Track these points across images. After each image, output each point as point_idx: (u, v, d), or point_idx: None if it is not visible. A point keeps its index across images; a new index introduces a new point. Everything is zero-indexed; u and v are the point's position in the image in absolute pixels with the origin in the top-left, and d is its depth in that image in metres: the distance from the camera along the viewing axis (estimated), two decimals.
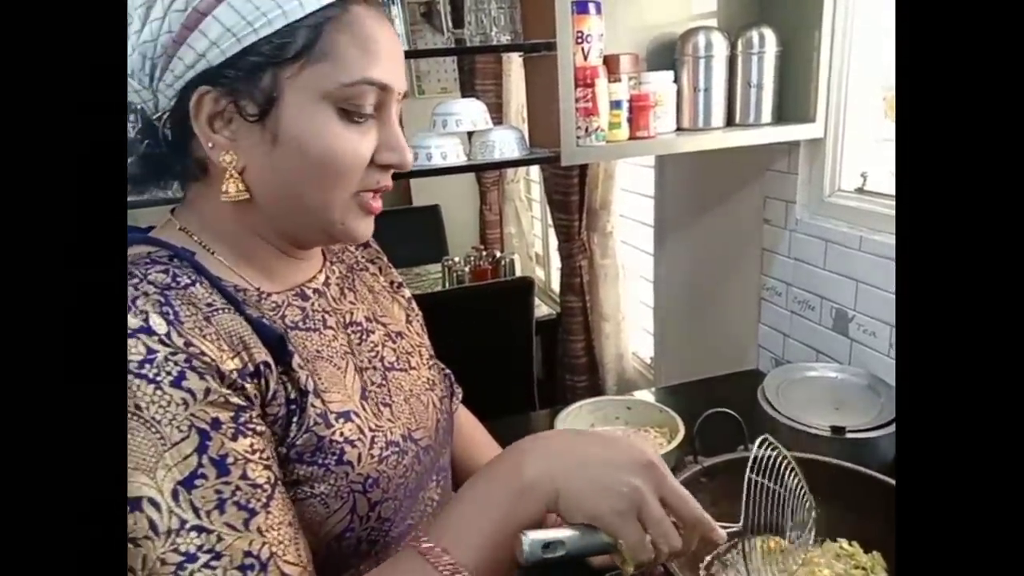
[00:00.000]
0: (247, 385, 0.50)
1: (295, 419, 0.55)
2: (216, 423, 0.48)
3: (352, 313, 0.67)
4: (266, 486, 0.49)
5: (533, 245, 3.46)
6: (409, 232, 3.49)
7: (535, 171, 3.31)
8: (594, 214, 2.15)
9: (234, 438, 0.48)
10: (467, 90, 2.97)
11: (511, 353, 2.04)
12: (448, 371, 0.89)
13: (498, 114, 2.80)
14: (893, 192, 1.19)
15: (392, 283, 0.78)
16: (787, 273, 1.40)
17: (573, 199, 2.11)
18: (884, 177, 1.24)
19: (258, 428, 0.51)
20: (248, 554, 0.46)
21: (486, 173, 3.37)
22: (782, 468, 0.62)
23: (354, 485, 0.57)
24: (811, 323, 1.34)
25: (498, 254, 2.50)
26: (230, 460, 0.47)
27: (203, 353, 0.48)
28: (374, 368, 0.66)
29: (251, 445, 0.49)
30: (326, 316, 0.64)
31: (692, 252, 1.81)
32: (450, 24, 1.12)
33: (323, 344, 0.61)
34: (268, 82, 0.52)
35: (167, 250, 0.55)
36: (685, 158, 1.76)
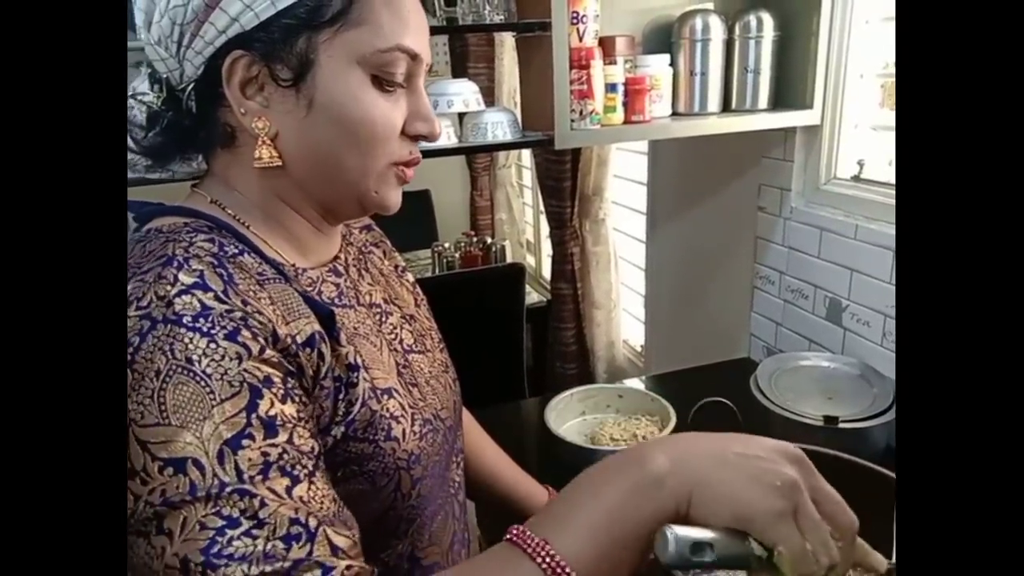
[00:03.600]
0: (300, 353, 0.49)
1: (342, 396, 0.53)
2: (268, 381, 0.46)
3: (371, 295, 0.66)
4: (311, 454, 0.46)
5: (524, 232, 3.44)
6: (398, 217, 3.40)
7: (527, 156, 3.28)
8: (586, 200, 2.13)
9: (284, 400, 0.46)
10: (458, 73, 2.93)
11: (501, 340, 2.03)
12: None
13: (490, 98, 2.77)
14: (890, 180, 1.18)
15: (396, 267, 0.76)
16: (780, 261, 1.39)
17: (565, 185, 2.09)
18: (881, 165, 1.23)
19: (304, 398, 0.49)
20: (295, 522, 0.42)
21: (477, 158, 3.34)
22: None
23: (400, 462, 0.56)
24: (804, 312, 1.34)
25: (489, 240, 2.47)
26: (279, 422, 0.45)
27: (260, 312, 0.47)
28: (396, 350, 0.64)
29: (298, 412, 0.47)
30: (357, 295, 0.63)
31: (685, 240, 1.80)
32: (442, 2, 1.09)
33: (359, 321, 0.60)
34: (303, 46, 0.51)
35: (206, 220, 0.53)
36: (679, 144, 1.75)
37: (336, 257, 0.64)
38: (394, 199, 0.59)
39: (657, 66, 1.19)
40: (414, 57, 0.54)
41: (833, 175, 1.27)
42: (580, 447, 1.12)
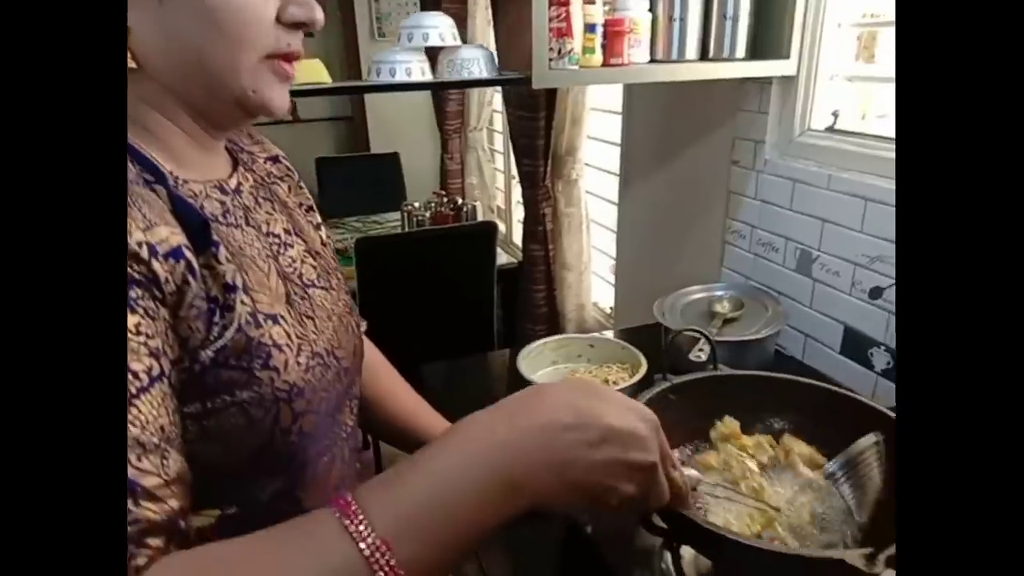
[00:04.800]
0: (156, 262, 0.44)
1: (217, 318, 0.48)
2: None
3: (269, 223, 0.61)
4: (142, 375, 0.41)
5: (495, 198, 3.41)
6: (367, 179, 3.39)
7: (499, 121, 3.23)
8: (559, 160, 2.11)
9: None
10: (428, 7, 2.85)
11: (472, 297, 2.02)
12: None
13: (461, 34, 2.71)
14: (864, 131, 1.19)
15: (302, 205, 0.72)
16: (752, 215, 1.39)
17: (539, 143, 2.06)
18: (854, 117, 1.24)
19: (152, 310, 0.43)
20: None
21: (447, 120, 3.29)
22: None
23: (279, 393, 0.52)
24: (775, 265, 1.35)
25: (460, 201, 2.44)
26: None
27: None
28: (293, 281, 0.60)
29: (137, 325, 0.41)
30: (247, 216, 0.58)
31: (657, 198, 1.79)
32: None
33: (246, 243, 0.56)
34: None
35: None
36: (654, 100, 1.73)
37: (227, 180, 0.59)
38: (278, 99, 0.54)
39: (636, 9, 1.17)
40: None
41: (808, 127, 1.27)
42: None
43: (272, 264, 0.57)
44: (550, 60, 1.07)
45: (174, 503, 0.40)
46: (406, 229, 2.40)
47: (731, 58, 1.23)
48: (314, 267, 0.64)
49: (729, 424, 0.74)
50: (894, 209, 1.06)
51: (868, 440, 0.65)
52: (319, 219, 0.73)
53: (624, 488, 0.46)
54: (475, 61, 1.08)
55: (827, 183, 1.18)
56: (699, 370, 0.89)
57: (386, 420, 0.82)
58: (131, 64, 0.48)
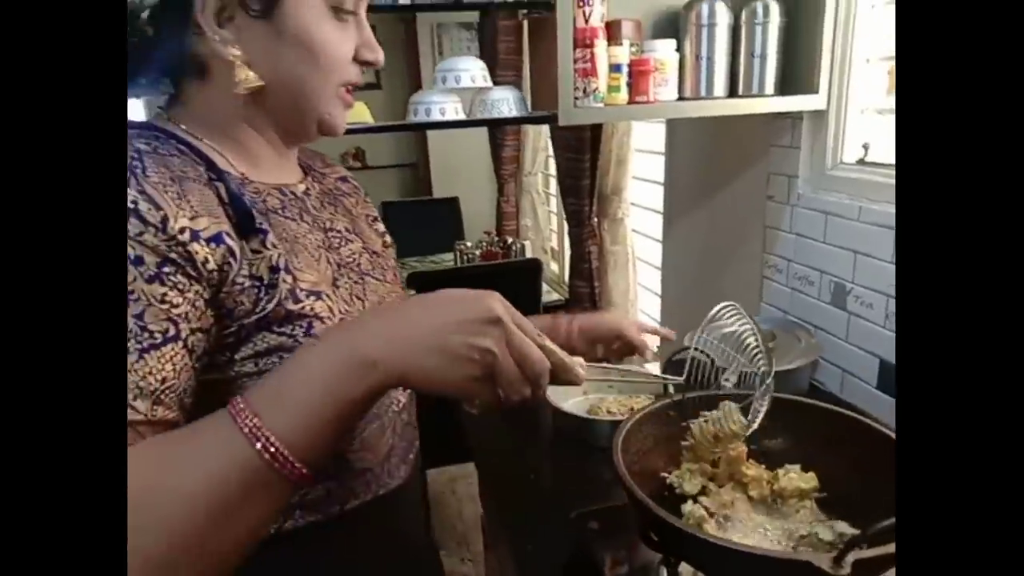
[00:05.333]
0: (196, 245, 0.52)
1: (264, 293, 0.57)
2: (138, 260, 0.50)
3: (332, 221, 0.71)
4: (157, 335, 0.50)
5: (549, 239, 3.47)
6: (428, 223, 3.53)
7: (554, 165, 3.32)
8: (605, 199, 2.16)
9: (149, 281, 0.50)
10: (485, 58, 3.00)
11: None
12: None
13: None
14: (894, 162, 1.18)
15: (368, 215, 0.82)
16: (788, 249, 1.39)
17: (584, 183, 2.12)
18: (886, 148, 1.23)
19: (181, 285, 0.52)
20: None
21: (503, 165, 3.40)
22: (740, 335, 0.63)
23: None
24: (810, 299, 1.33)
25: (509, 240, 2.51)
26: (133, 296, 0.49)
27: (153, 200, 0.51)
28: (351, 268, 0.69)
29: (163, 295, 0.50)
30: (303, 214, 0.67)
31: (698, 235, 1.80)
32: None
33: (300, 233, 0.65)
34: None
35: (155, 132, 0.59)
36: (693, 138, 1.76)
37: (295, 185, 0.69)
38: (341, 121, 0.66)
39: (663, 50, 1.22)
40: None
41: (839, 160, 1.27)
42: (577, 417, 1.15)
43: (324, 253, 0.67)
44: (575, 99, 1.13)
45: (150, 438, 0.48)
46: (457, 265, 2.48)
47: (760, 94, 1.25)
48: (371, 262, 0.74)
49: (738, 448, 0.74)
50: None
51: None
52: (383, 228, 0.84)
53: (481, 342, 0.50)
54: (505, 101, 1.14)
55: (858, 215, 1.18)
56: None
57: None
58: (260, 82, 0.60)
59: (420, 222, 3.52)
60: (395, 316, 0.52)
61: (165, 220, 0.51)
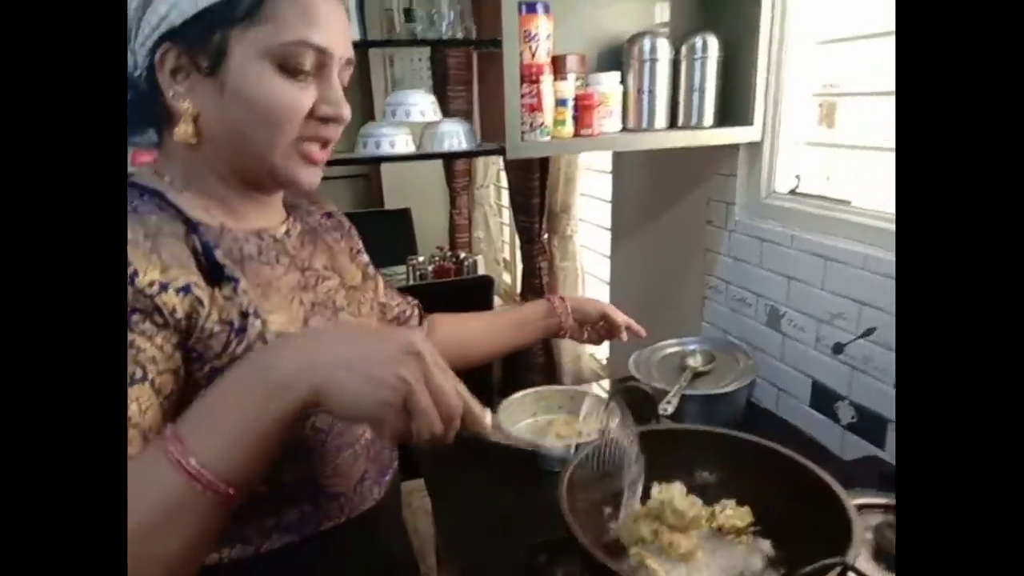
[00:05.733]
0: (164, 295, 0.57)
1: (235, 337, 0.61)
2: None
3: (310, 260, 0.75)
4: (130, 379, 0.54)
5: (502, 250, 3.50)
6: (380, 234, 3.49)
7: (505, 177, 3.35)
8: (554, 217, 2.20)
9: None
10: (439, 95, 3.01)
11: None
12: (417, 303, 1.04)
13: (469, 119, 2.84)
14: (824, 193, 1.25)
15: (352, 248, 0.86)
16: (727, 272, 1.45)
17: (534, 202, 2.15)
18: (817, 179, 1.31)
19: (148, 332, 0.56)
20: None
21: (456, 177, 3.41)
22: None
23: None
24: (748, 320, 1.40)
25: (462, 255, 2.53)
26: None
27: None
28: (325, 306, 0.73)
29: (132, 341, 0.54)
30: (280, 256, 0.71)
31: (645, 254, 1.86)
32: (402, 18, 1.16)
33: (274, 277, 0.68)
34: (218, 40, 0.60)
35: (138, 190, 0.63)
36: (639, 163, 1.82)
37: (275, 227, 0.73)
38: (304, 176, 0.67)
39: (607, 83, 1.27)
40: (321, 51, 0.63)
41: (773, 189, 1.34)
42: (523, 448, 1.17)
43: (298, 293, 0.70)
44: (523, 132, 1.16)
45: None
46: (410, 282, 2.48)
47: (699, 126, 1.31)
48: (346, 297, 0.77)
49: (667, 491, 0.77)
50: (852, 268, 1.11)
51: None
52: (367, 259, 0.90)
53: (399, 370, 0.51)
54: (455, 134, 1.17)
55: (791, 243, 1.24)
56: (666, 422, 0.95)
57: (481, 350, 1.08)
58: (192, 140, 0.63)
59: (372, 234, 3.43)
60: (314, 341, 0.55)
61: (135, 274, 0.55)
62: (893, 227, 1.07)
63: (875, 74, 1.21)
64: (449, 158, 1.27)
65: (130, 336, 0.54)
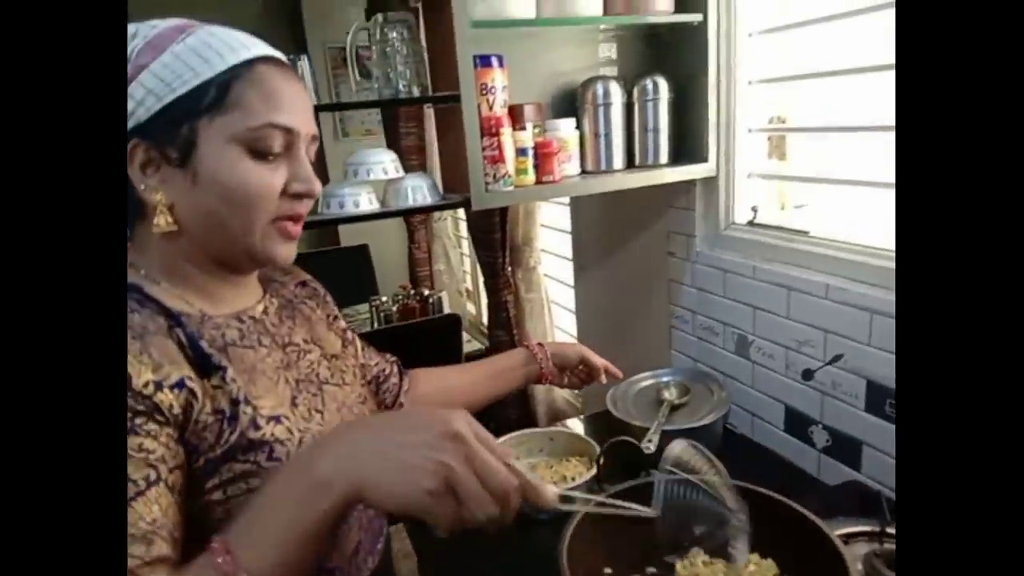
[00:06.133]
0: (161, 394, 0.57)
1: (228, 426, 0.62)
2: None
3: (290, 336, 0.76)
4: (140, 482, 0.54)
5: (464, 281, 3.50)
6: (338, 272, 3.44)
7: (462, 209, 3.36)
8: (517, 250, 2.21)
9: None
10: (390, 132, 3.01)
11: None
12: (395, 359, 1.04)
13: (421, 156, 2.85)
14: (782, 224, 1.29)
15: (328, 316, 0.87)
16: (692, 302, 1.48)
17: (495, 236, 2.16)
18: (772, 210, 1.35)
19: (153, 431, 0.56)
20: None
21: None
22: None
23: None
24: (716, 348, 1.43)
25: (426, 292, 2.52)
26: None
27: None
28: (310, 381, 0.74)
29: (140, 444, 0.55)
30: (262, 337, 0.72)
31: (608, 285, 1.88)
32: (357, 76, 1.16)
33: (258, 359, 0.69)
34: (186, 131, 0.62)
35: None
36: (597, 197, 1.85)
37: (252, 307, 0.74)
38: (282, 252, 0.69)
39: (565, 129, 1.29)
40: (288, 131, 0.65)
41: (732, 221, 1.38)
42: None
43: (283, 373, 0.71)
44: (487, 184, 1.17)
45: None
46: (374, 324, 2.46)
47: (656, 164, 1.34)
48: (329, 368, 0.79)
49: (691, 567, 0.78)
50: (814, 298, 1.15)
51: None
52: (344, 324, 0.90)
53: (437, 455, 0.52)
54: (419, 189, 1.17)
55: (753, 273, 1.28)
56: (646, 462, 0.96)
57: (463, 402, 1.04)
58: (172, 228, 0.64)
59: (331, 272, 3.36)
60: (350, 435, 0.57)
61: (131, 379, 0.56)
62: (852, 256, 1.11)
63: (820, 108, 1.27)
64: (414, 213, 1.27)
65: (137, 440, 0.55)
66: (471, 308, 3.41)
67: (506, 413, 2.31)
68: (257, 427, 0.63)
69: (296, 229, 0.69)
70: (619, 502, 0.67)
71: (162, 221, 0.64)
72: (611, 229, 1.79)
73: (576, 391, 2.31)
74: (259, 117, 0.63)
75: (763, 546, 0.77)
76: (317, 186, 0.68)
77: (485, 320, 3.23)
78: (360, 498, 0.53)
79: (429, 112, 3.00)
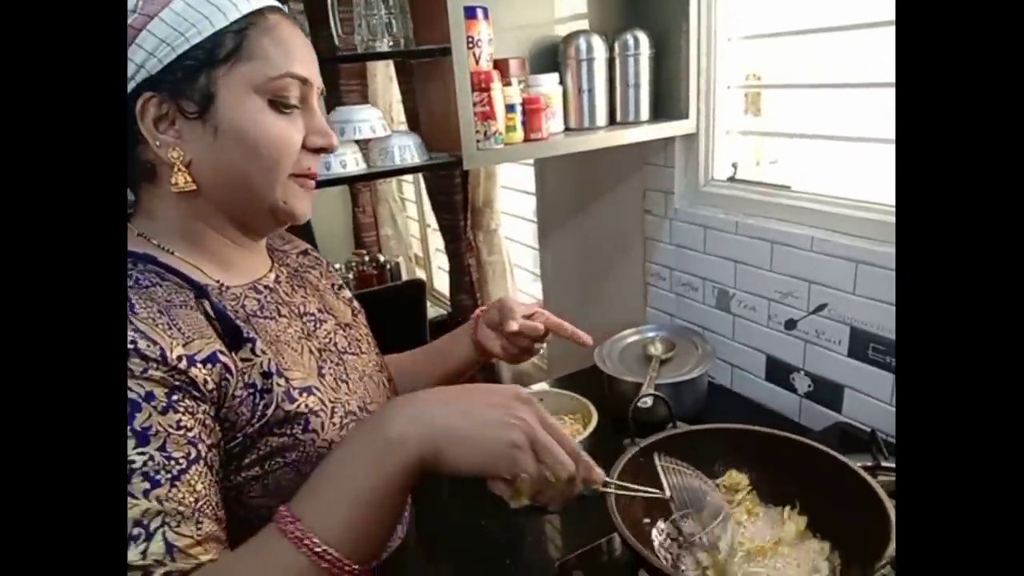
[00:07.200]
0: (195, 369, 0.54)
1: (261, 399, 0.59)
2: (149, 396, 0.52)
3: (304, 305, 0.73)
4: (181, 460, 0.52)
5: (411, 247, 3.43)
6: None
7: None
8: (478, 212, 2.18)
9: (163, 412, 0.52)
10: (331, 89, 2.87)
11: None
12: None
13: None
14: (760, 179, 1.32)
15: (333, 285, 0.84)
16: (670, 259, 1.51)
17: (457, 198, 2.12)
18: (750, 166, 1.38)
19: (191, 407, 0.54)
20: (137, 523, 0.48)
21: None
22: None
23: (321, 450, 0.62)
24: (695, 303, 1.46)
25: (382, 258, 2.45)
26: (152, 431, 0.51)
27: (148, 336, 0.53)
28: (330, 351, 0.72)
29: (178, 421, 0.53)
30: (279, 307, 0.69)
31: (577, 245, 1.89)
32: (340, 31, 1.09)
33: (280, 330, 0.67)
34: (204, 82, 0.58)
35: (131, 259, 0.59)
36: (564, 156, 1.83)
37: (265, 276, 0.71)
38: (302, 208, 0.66)
39: (548, 85, 1.26)
40: (304, 81, 0.62)
41: (711, 177, 1.40)
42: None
43: (305, 343, 0.69)
44: (477, 142, 1.13)
45: (204, 556, 0.50)
46: None
47: (637, 121, 1.34)
48: (346, 337, 0.76)
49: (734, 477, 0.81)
50: (798, 250, 1.19)
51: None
52: (349, 294, 0.86)
53: (517, 411, 0.52)
54: (407, 148, 1.12)
55: (735, 229, 1.30)
56: (649, 418, 0.97)
57: (424, 379, 0.95)
58: (192, 186, 0.61)
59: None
60: (421, 399, 0.55)
61: (163, 352, 0.53)
62: (836, 210, 1.15)
63: (795, 65, 1.29)
64: (403, 173, 1.22)
65: (175, 417, 0.53)
66: (422, 275, 3.35)
67: (471, 378, 2.30)
68: (292, 399, 0.61)
69: (312, 185, 0.67)
70: (640, 487, 0.72)
71: (180, 180, 0.60)
72: (581, 189, 1.79)
73: (540, 352, 2.33)
74: (278, 67, 0.60)
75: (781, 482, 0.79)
76: (335, 139, 0.66)
77: (438, 286, 3.20)
78: (436, 457, 0.52)
79: (373, 71, 2.88)
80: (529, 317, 0.89)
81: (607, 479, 0.63)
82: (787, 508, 0.78)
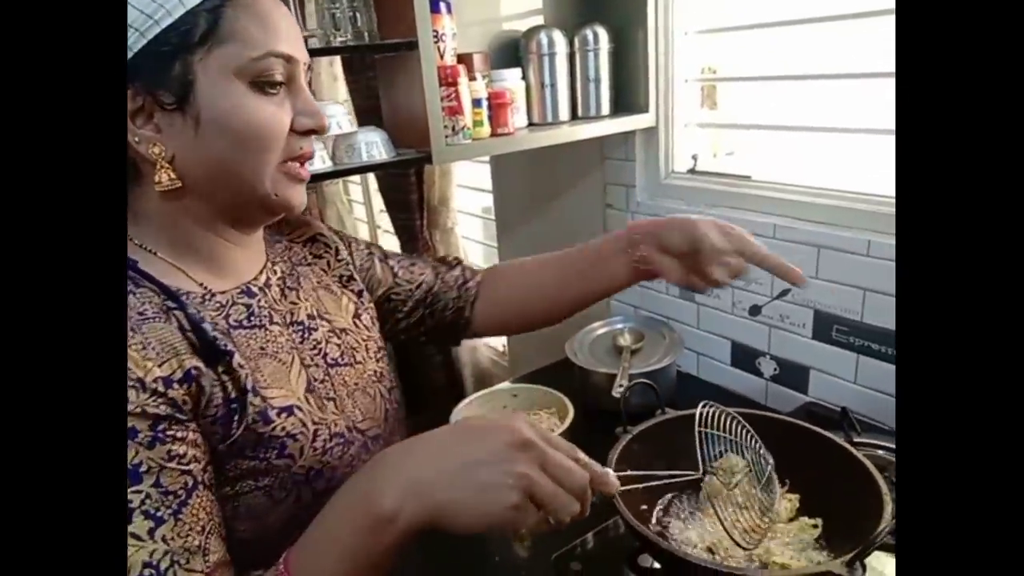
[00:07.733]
0: (172, 391, 0.52)
1: (235, 416, 0.57)
2: (133, 432, 0.50)
3: (293, 312, 0.69)
4: (180, 492, 0.51)
5: None
6: None
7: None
8: (434, 211, 2.16)
9: (150, 446, 0.50)
10: None
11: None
12: (459, 264, 0.95)
13: None
14: (720, 171, 1.36)
15: (342, 277, 0.79)
16: None
17: (412, 197, 2.09)
18: (707, 158, 1.41)
19: (179, 434, 0.52)
20: (147, 564, 0.48)
21: None
22: (726, 423, 0.69)
23: (297, 477, 0.60)
24: (660, 294, 1.49)
25: None
26: (143, 468, 0.50)
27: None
28: (316, 365, 0.68)
29: (168, 452, 0.51)
30: (272, 313, 0.66)
31: (536, 241, 1.89)
32: (304, 25, 1.06)
33: (268, 340, 0.64)
34: (179, 69, 0.55)
35: None
36: (522, 152, 1.84)
37: (256, 277, 0.67)
38: (296, 198, 0.63)
39: (512, 80, 1.26)
40: (288, 59, 0.58)
41: (672, 170, 1.42)
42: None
43: (295, 355, 0.65)
44: (446, 137, 1.12)
45: None
46: None
47: (598, 116, 1.35)
48: (338, 345, 0.72)
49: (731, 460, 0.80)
50: (762, 238, 1.21)
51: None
52: (360, 286, 0.80)
53: (515, 467, 0.47)
54: (374, 144, 1.10)
55: None
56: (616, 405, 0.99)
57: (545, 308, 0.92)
58: (177, 183, 0.57)
59: None
60: (409, 462, 0.50)
61: (140, 379, 0.51)
62: (797, 197, 1.19)
63: (748, 59, 1.33)
64: (371, 170, 1.19)
65: (164, 448, 0.51)
66: None
67: (431, 378, 2.28)
68: (267, 421, 0.58)
69: (304, 171, 0.63)
70: (667, 473, 0.67)
71: (164, 177, 0.57)
72: (540, 184, 1.79)
73: (499, 349, 2.32)
74: (259, 46, 0.56)
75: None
76: (325, 119, 0.63)
77: None
78: (432, 525, 0.49)
79: (317, 67, 2.81)
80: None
81: (619, 487, 0.58)
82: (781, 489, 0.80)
